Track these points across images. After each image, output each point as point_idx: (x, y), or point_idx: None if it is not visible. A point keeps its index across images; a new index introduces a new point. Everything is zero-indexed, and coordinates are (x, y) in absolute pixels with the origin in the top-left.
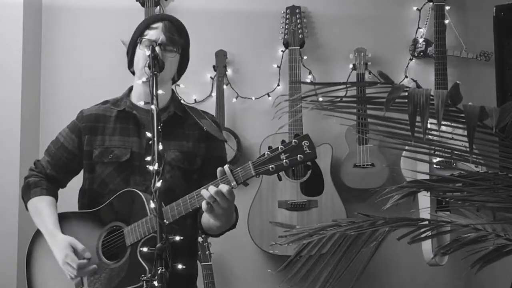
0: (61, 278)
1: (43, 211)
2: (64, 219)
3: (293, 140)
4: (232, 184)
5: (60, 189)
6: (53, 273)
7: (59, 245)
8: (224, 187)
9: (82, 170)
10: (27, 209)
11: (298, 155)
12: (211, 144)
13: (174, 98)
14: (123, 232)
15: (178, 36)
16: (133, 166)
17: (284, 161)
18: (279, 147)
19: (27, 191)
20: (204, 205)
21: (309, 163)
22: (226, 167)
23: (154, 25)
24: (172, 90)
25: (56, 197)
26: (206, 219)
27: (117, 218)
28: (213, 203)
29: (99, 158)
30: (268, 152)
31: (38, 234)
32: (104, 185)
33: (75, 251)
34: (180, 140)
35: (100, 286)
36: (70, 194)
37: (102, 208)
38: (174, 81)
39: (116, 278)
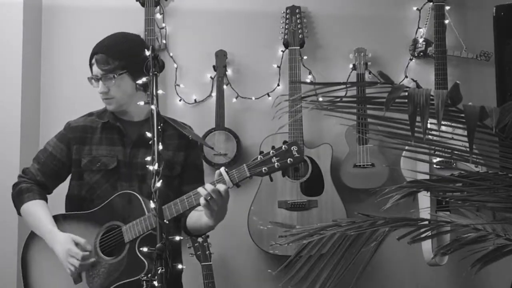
0: (59, 276)
1: (40, 213)
2: (59, 220)
3: (283, 146)
4: (228, 184)
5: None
6: (51, 272)
7: (61, 241)
8: (221, 186)
9: (69, 178)
10: (19, 214)
11: (288, 158)
12: (190, 152)
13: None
14: (121, 230)
15: (112, 62)
16: (119, 173)
17: (276, 163)
18: (271, 151)
19: (20, 196)
20: (202, 200)
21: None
22: (222, 169)
23: (92, 62)
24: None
25: (46, 201)
26: (196, 219)
27: (115, 217)
28: (210, 199)
29: (88, 167)
30: (261, 156)
31: (32, 237)
32: (92, 191)
33: (77, 245)
34: None
35: (98, 279)
36: (57, 199)
37: (99, 209)
38: (144, 89)
39: (114, 272)
